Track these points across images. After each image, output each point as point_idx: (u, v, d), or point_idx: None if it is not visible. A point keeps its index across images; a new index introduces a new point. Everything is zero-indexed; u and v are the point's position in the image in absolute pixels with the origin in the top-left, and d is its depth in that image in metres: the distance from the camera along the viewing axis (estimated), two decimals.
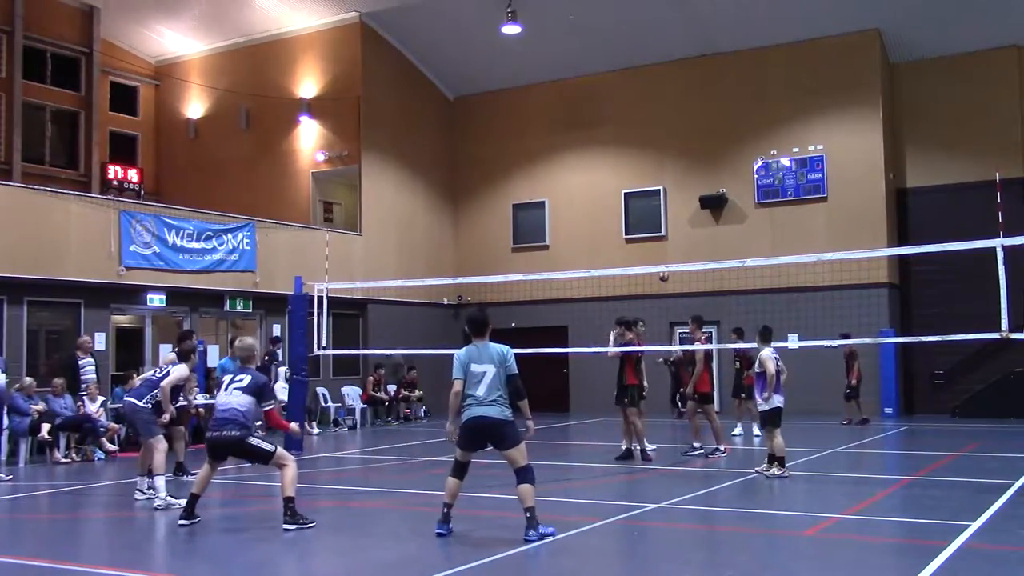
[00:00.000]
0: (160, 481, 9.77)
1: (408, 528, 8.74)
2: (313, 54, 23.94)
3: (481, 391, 7.72)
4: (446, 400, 8.29)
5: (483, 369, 7.77)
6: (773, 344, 11.57)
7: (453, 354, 8.07)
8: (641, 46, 23.18)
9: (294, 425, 10.02)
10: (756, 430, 15.43)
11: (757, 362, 11.42)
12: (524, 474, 7.69)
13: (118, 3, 23.92)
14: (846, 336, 17.04)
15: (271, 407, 8.70)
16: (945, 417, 20.26)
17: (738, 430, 16.18)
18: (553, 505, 9.84)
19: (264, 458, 8.54)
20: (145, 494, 10.18)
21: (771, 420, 11.18)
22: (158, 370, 10.98)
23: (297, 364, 15.78)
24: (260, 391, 8.62)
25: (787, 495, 10.37)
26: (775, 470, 10.93)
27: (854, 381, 18.71)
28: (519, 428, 7.83)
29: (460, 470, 7.99)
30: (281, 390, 18.64)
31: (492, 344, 7.96)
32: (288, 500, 8.35)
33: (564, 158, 24.89)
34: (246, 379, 8.67)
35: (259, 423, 9.63)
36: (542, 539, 7.48)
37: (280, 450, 8.59)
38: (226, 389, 8.65)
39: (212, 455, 8.66)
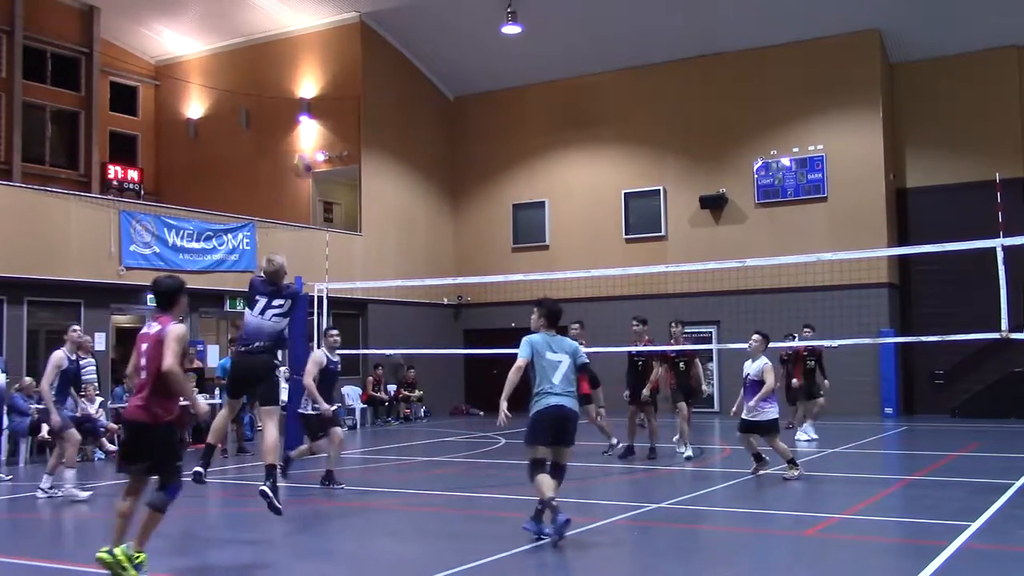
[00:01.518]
0: (69, 473, 10.24)
1: (408, 528, 8.74)
2: (313, 54, 23.94)
3: (557, 379, 7.47)
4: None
5: (558, 358, 7.53)
6: (773, 344, 11.55)
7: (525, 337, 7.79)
8: (641, 46, 23.17)
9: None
10: (813, 433, 15.19)
11: (755, 370, 11.29)
12: (563, 472, 7.67)
13: (118, 3, 23.92)
14: (791, 337, 16.17)
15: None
16: (945, 417, 20.25)
17: (801, 434, 15.34)
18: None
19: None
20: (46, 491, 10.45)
21: (773, 429, 11.19)
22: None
23: (297, 364, 15.76)
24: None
25: (787, 495, 10.37)
26: (794, 472, 10.89)
27: (796, 383, 16.56)
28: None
29: (544, 465, 7.46)
30: (281, 390, 18.69)
31: (560, 336, 7.81)
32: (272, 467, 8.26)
33: (564, 158, 24.89)
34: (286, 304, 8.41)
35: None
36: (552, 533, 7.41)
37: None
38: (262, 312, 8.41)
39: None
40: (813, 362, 15.81)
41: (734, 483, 11.01)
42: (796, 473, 10.89)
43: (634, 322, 13.91)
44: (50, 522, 9.86)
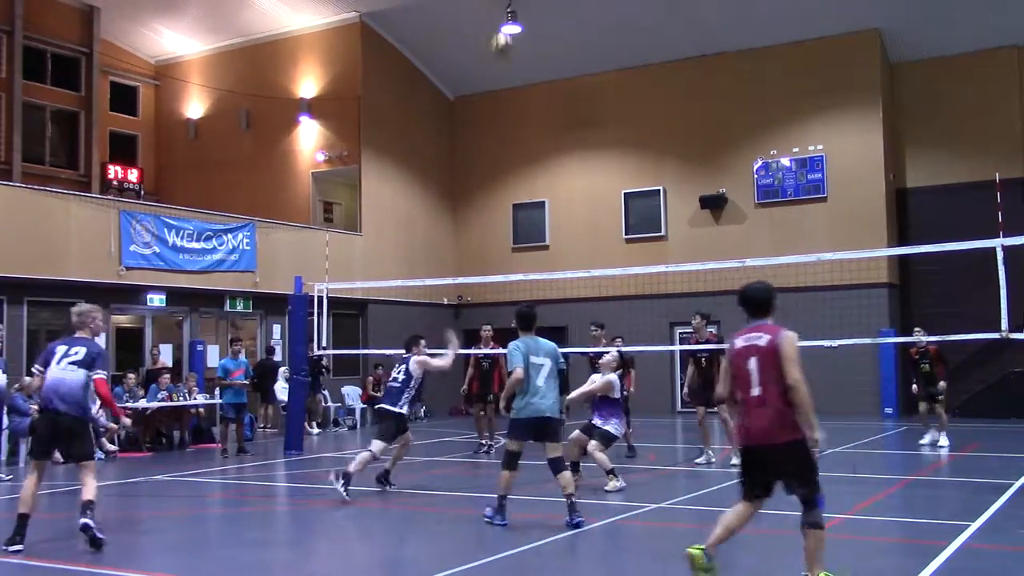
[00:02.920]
0: None
1: (408, 528, 8.73)
2: (313, 54, 23.94)
3: (541, 381, 8.01)
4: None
5: (541, 362, 8.06)
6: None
7: (510, 344, 8.29)
8: (641, 46, 23.17)
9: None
10: (944, 439, 14.46)
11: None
12: (561, 463, 8.10)
13: (118, 3, 23.92)
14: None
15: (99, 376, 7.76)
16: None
17: (927, 438, 14.91)
18: (553, 505, 9.84)
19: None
20: None
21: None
22: None
23: (297, 364, 15.79)
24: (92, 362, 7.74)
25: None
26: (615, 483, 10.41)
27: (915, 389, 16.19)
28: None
29: (516, 458, 8.10)
30: (281, 390, 18.70)
31: (540, 339, 8.28)
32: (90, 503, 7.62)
33: (564, 158, 24.89)
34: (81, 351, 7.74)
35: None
36: (579, 526, 7.76)
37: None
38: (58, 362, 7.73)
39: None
40: (927, 364, 15.03)
41: (734, 483, 10.99)
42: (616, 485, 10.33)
43: (592, 327, 13.59)
44: (50, 522, 9.85)
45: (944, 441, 14.51)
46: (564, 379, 9.13)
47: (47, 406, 7.72)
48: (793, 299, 20.39)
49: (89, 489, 7.62)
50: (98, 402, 15.05)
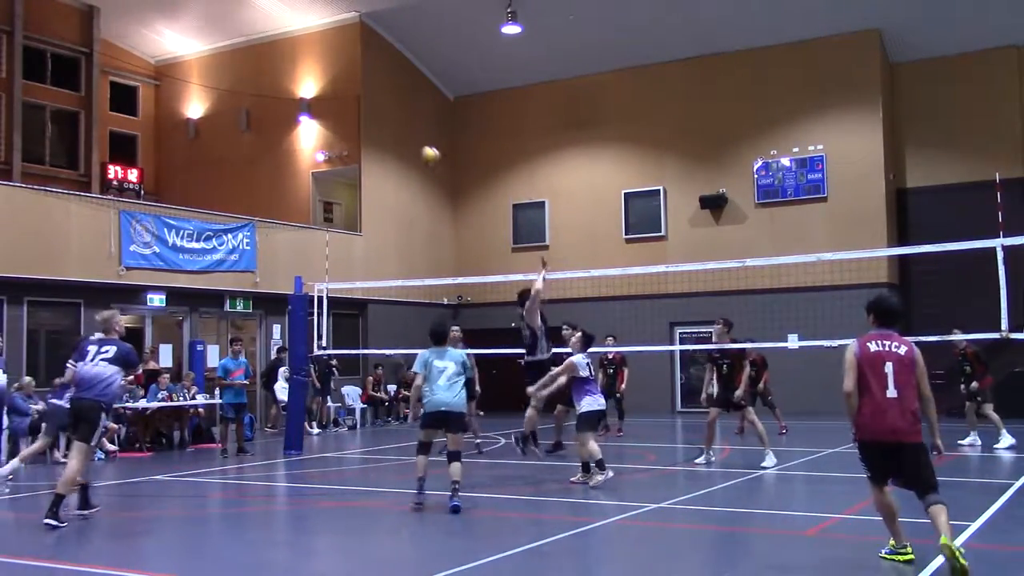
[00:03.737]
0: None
1: (408, 528, 8.74)
2: (313, 54, 23.94)
3: (442, 382, 9.34)
4: None
5: (444, 365, 9.41)
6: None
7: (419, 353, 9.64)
8: (641, 46, 23.18)
9: None
10: (1005, 438, 14.15)
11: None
12: (456, 456, 9.29)
13: (118, 3, 23.92)
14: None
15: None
16: (945, 417, 20.23)
17: (967, 440, 14.91)
18: (553, 505, 9.85)
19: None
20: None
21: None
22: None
23: (297, 364, 15.79)
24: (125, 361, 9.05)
25: (787, 495, 10.39)
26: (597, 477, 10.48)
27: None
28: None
29: (427, 448, 9.53)
30: (281, 390, 18.71)
31: (450, 349, 9.70)
32: (61, 497, 8.52)
33: (564, 158, 24.89)
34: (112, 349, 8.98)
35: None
36: (457, 511, 8.76)
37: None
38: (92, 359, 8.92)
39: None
40: (968, 366, 14.91)
41: (734, 483, 11.01)
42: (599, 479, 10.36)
43: (564, 327, 13.34)
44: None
45: (1006, 441, 14.08)
46: (471, 384, 11.25)
47: (78, 393, 8.87)
48: (793, 299, 20.49)
49: (69, 469, 8.64)
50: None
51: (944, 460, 6.40)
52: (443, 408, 9.28)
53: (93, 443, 8.91)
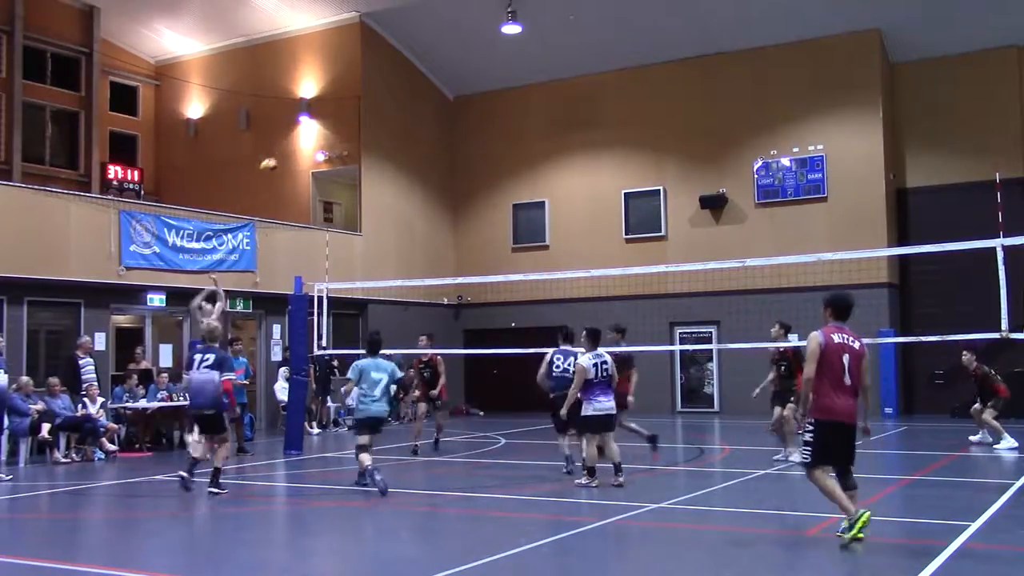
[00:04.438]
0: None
1: (408, 528, 8.74)
2: (313, 54, 23.94)
3: (376, 392, 10.53)
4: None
5: (379, 377, 10.57)
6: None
7: (355, 362, 10.88)
8: (641, 46, 23.17)
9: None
10: (1008, 441, 14.08)
11: (608, 366, 10.82)
12: (364, 449, 10.44)
13: (118, 3, 23.91)
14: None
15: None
16: (945, 417, 20.24)
17: (980, 436, 14.95)
18: (553, 505, 9.85)
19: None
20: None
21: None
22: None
23: (297, 364, 15.78)
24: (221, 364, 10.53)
25: (787, 495, 10.38)
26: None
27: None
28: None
29: (366, 448, 10.58)
30: (281, 390, 18.70)
31: (381, 360, 10.82)
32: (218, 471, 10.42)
33: (564, 158, 24.89)
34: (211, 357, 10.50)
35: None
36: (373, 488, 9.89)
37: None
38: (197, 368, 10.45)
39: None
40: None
41: (734, 483, 11.01)
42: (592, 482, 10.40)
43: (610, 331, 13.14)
44: (50, 522, 9.86)
45: (1007, 443, 14.07)
46: (401, 387, 12.84)
47: (193, 402, 10.58)
48: (793, 299, 20.46)
49: (221, 451, 10.58)
50: (99, 402, 15.18)
51: (870, 435, 7.64)
52: (377, 416, 10.60)
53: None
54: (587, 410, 10.59)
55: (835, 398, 7.18)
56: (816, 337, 7.28)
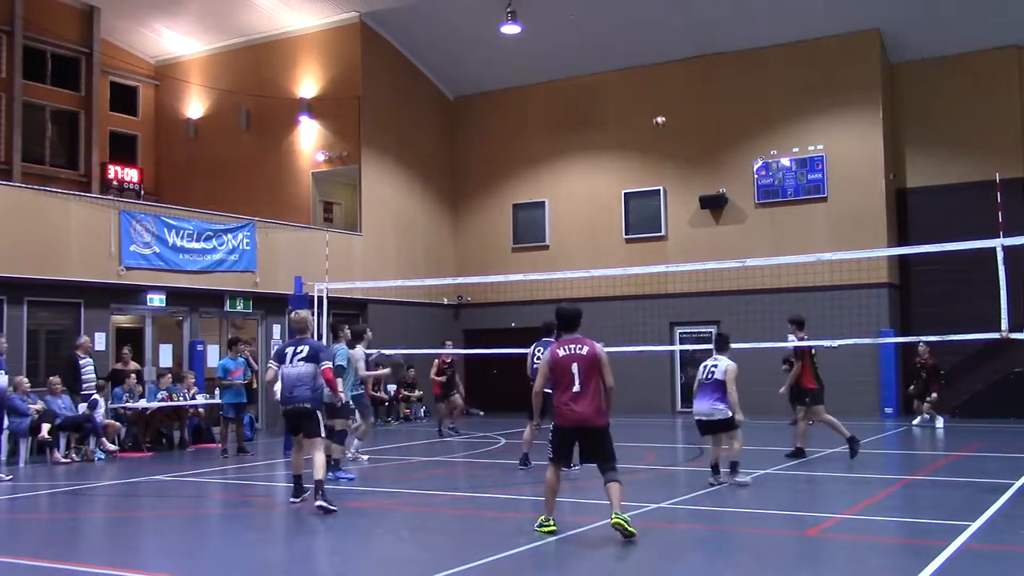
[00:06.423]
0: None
1: (408, 528, 8.73)
2: (313, 54, 23.94)
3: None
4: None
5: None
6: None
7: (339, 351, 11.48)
8: (641, 46, 23.17)
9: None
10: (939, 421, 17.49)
11: (716, 371, 11.33)
12: (340, 436, 11.36)
13: (118, 3, 23.91)
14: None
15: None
16: (945, 417, 20.23)
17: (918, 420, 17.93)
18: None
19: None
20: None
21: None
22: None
23: None
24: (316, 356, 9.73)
25: (787, 495, 10.38)
26: (740, 477, 10.61)
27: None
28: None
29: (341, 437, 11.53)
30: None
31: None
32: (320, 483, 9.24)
33: (564, 158, 24.88)
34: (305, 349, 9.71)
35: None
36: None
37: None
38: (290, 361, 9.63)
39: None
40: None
41: (734, 483, 10.99)
42: (740, 478, 10.54)
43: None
44: (50, 522, 9.86)
45: (940, 423, 17.38)
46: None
47: (288, 396, 9.63)
48: (793, 299, 20.48)
49: (318, 468, 9.26)
50: (101, 403, 15.16)
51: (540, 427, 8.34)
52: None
53: (323, 435, 9.76)
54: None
55: (572, 406, 7.66)
56: (546, 354, 7.94)
